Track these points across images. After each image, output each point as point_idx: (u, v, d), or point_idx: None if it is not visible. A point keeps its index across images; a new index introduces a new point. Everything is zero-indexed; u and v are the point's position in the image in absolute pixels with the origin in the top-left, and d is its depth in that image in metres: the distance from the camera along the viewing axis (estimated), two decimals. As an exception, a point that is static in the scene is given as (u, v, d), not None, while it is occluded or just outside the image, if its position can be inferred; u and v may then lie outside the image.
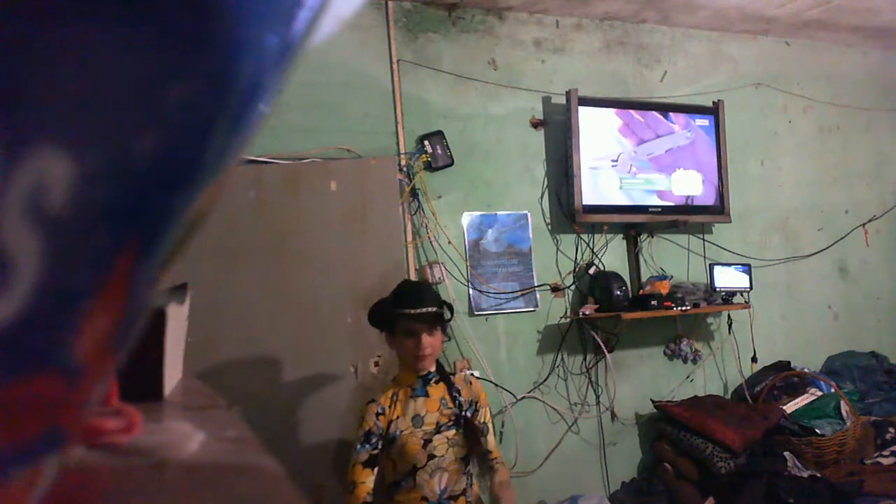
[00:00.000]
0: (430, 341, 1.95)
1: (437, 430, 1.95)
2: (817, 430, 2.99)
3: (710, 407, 3.06)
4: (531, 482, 3.01)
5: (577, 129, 3.12)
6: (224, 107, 0.19)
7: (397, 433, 1.92)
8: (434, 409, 1.97)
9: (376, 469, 1.89)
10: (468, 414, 2.03)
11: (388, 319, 1.99)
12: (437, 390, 2.00)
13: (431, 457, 1.92)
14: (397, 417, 1.94)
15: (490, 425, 2.09)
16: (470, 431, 2.01)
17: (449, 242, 2.99)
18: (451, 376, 2.06)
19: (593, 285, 3.18)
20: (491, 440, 2.07)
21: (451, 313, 2.08)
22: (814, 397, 3.19)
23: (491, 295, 3.05)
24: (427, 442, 1.93)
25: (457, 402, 2.00)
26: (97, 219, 0.17)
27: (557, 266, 3.22)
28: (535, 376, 3.10)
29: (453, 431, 1.97)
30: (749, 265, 3.40)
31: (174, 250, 0.20)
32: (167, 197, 0.19)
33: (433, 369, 2.02)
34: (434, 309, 1.95)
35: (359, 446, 1.90)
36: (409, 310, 1.93)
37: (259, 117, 0.21)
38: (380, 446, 1.91)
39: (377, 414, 1.93)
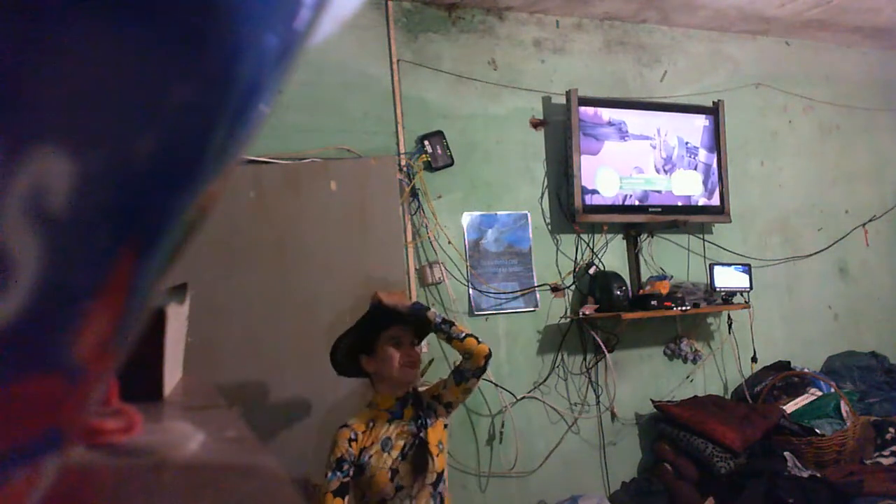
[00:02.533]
0: (415, 351, 1.96)
1: (403, 457, 1.90)
2: (817, 430, 2.99)
3: (710, 407, 3.06)
4: (531, 482, 3.01)
5: (577, 129, 3.12)
6: (224, 107, 0.19)
7: (366, 460, 1.88)
8: (403, 432, 1.93)
9: (347, 497, 1.84)
10: (429, 421, 1.98)
11: (365, 342, 1.98)
12: (409, 412, 1.98)
13: (399, 488, 1.87)
14: (371, 444, 1.90)
15: (446, 377, 2.04)
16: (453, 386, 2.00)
17: (449, 242, 2.99)
18: (419, 394, 2.04)
19: (593, 285, 3.18)
20: (463, 327, 2.01)
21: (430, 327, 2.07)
22: (814, 397, 3.19)
23: (491, 295, 3.05)
24: (395, 473, 1.88)
25: (419, 421, 1.96)
26: (97, 219, 0.17)
27: (557, 266, 3.22)
28: (535, 376, 3.10)
29: (412, 454, 1.92)
30: (749, 265, 3.40)
31: (174, 250, 0.20)
32: (167, 197, 0.19)
33: (410, 390, 2.00)
34: (415, 316, 1.98)
35: (329, 474, 1.84)
36: (394, 321, 1.96)
37: (259, 117, 0.21)
38: (351, 473, 1.87)
39: (350, 440, 1.88)
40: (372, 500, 1.88)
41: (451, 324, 1.99)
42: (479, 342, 1.97)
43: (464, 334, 1.98)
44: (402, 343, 1.95)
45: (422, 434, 1.93)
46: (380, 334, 1.96)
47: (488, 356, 1.97)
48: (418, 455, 1.91)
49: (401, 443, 1.91)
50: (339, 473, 1.84)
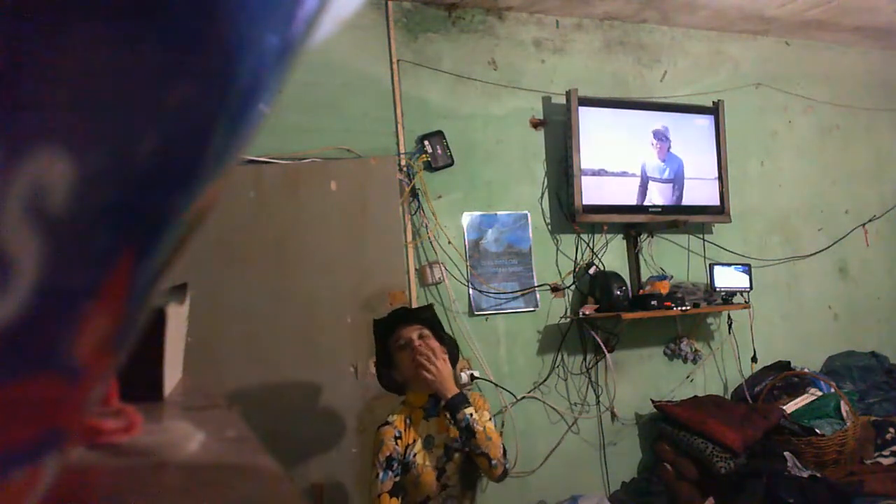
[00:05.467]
0: (423, 343, 1.92)
1: (448, 457, 1.87)
2: (817, 430, 2.98)
3: (710, 407, 3.06)
4: (531, 482, 3.01)
5: (577, 129, 3.12)
6: (224, 107, 0.19)
7: (411, 458, 1.85)
8: (443, 430, 1.90)
9: (401, 497, 1.81)
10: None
11: (387, 355, 1.99)
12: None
13: (444, 487, 1.86)
14: (413, 441, 1.87)
15: (484, 426, 1.84)
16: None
17: (449, 242, 2.99)
18: None
19: (593, 285, 3.18)
20: (482, 441, 1.81)
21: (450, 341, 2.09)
22: (814, 397, 3.19)
23: (491, 295, 3.05)
24: (441, 472, 1.86)
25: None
26: (97, 219, 0.17)
27: (557, 266, 3.22)
28: (535, 376, 3.10)
29: (459, 455, 1.88)
30: (749, 265, 3.40)
31: (174, 250, 0.20)
32: (167, 197, 0.19)
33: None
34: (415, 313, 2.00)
35: (381, 474, 1.79)
36: (393, 326, 1.98)
37: (259, 117, 0.21)
38: (399, 471, 1.83)
39: (395, 438, 1.85)
40: (415, 499, 1.85)
41: (473, 435, 1.80)
42: (491, 466, 1.79)
43: (479, 450, 1.79)
44: (408, 343, 1.93)
45: (466, 449, 1.89)
46: (388, 344, 1.98)
47: (497, 480, 1.84)
48: (466, 465, 1.88)
49: (443, 442, 1.89)
50: (390, 473, 1.80)
